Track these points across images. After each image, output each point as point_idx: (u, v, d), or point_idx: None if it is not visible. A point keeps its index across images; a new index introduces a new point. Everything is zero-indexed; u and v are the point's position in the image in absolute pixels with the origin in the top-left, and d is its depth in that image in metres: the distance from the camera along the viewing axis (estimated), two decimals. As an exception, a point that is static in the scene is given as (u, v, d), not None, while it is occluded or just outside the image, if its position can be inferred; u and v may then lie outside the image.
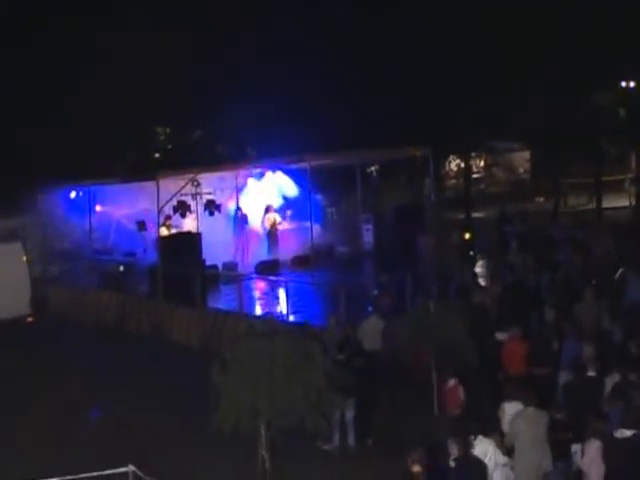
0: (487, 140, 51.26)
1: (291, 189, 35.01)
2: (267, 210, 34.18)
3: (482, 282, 26.67)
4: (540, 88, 40.34)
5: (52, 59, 41.57)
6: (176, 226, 31.82)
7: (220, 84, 43.73)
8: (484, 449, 13.14)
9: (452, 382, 17.14)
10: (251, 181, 35.03)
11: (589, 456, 12.86)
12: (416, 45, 40.91)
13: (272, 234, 33.97)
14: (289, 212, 35.30)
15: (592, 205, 45.32)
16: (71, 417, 19.91)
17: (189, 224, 32.00)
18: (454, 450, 12.57)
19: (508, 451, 13.53)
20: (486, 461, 13.04)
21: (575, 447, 14.07)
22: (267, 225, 33.99)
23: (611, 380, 15.09)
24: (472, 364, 17.66)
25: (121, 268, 32.50)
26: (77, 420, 19.73)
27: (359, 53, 41.76)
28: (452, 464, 12.66)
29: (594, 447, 12.78)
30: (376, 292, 24.95)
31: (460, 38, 40.31)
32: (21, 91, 41.41)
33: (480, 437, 13.13)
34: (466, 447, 12.70)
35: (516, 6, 39.40)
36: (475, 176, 57.13)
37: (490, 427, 13.60)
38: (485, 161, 60.19)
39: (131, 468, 14.00)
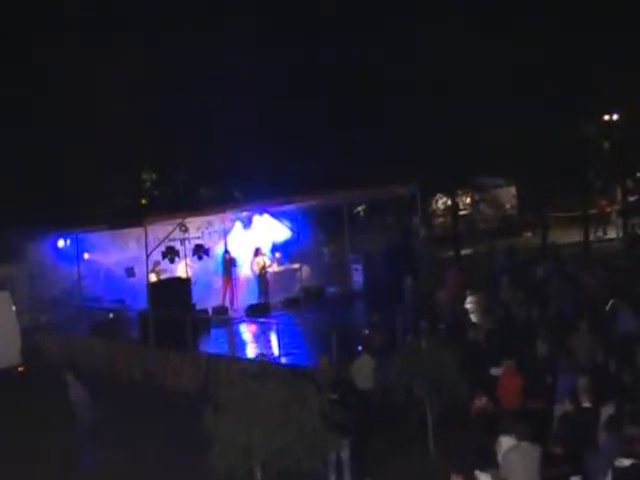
0: (473, 177, 51.41)
1: (279, 231, 35.04)
2: (256, 253, 34.14)
3: (473, 318, 26.65)
4: (523, 123, 40.52)
5: (34, 103, 41.57)
6: (165, 270, 31.74)
7: (205, 127, 43.85)
8: (481, 485, 13.08)
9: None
10: (238, 224, 35.04)
11: None
12: (401, 83, 41.15)
13: (262, 277, 33.92)
14: (278, 254, 35.30)
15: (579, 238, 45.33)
16: (64, 466, 19.75)
17: (180, 269, 31.99)
18: None
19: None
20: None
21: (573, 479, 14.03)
22: (256, 268, 33.94)
23: (607, 411, 15.05)
24: (465, 400, 17.71)
25: (111, 315, 32.40)
26: (71, 469, 19.58)
27: (344, 92, 41.97)
28: None
29: None
30: (367, 331, 24.92)
31: (443, 76, 40.54)
32: (3, 137, 41.32)
33: (477, 472, 13.06)
34: None
35: (498, 41, 39.62)
36: (462, 213, 57.24)
37: (488, 462, 13.52)
38: (472, 198, 60.33)
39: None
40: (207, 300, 32.04)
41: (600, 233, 48.48)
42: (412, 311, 27.53)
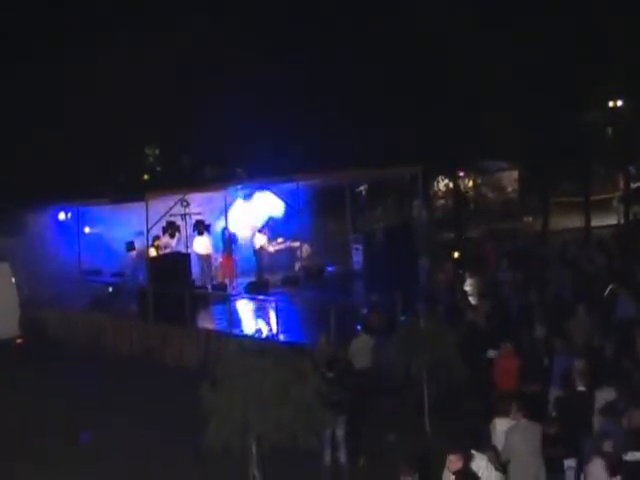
0: (475, 160, 51.34)
1: (280, 209, 34.96)
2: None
3: (472, 300, 26.70)
4: (528, 108, 40.44)
5: (38, 79, 41.51)
6: (168, 246, 31.69)
7: (208, 104, 43.74)
8: (476, 465, 13.09)
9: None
10: (240, 201, 34.95)
11: (594, 476, 12.54)
12: (404, 65, 41.04)
13: (261, 254, 33.84)
14: (279, 236, 35.16)
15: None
16: (61, 440, 19.78)
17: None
18: (455, 464, 12.43)
19: (503, 467, 13.47)
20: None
21: (568, 462, 14.04)
22: (256, 245, 33.88)
23: (602, 395, 15.05)
24: (462, 380, 17.78)
25: (110, 289, 32.41)
26: (68, 443, 19.59)
27: (348, 73, 41.83)
28: (451, 478, 12.57)
29: (598, 466, 12.51)
30: (366, 311, 24.94)
31: (447, 58, 40.44)
32: (6, 111, 41.24)
33: (473, 452, 13.08)
34: (467, 461, 12.61)
35: (502, 27, 39.50)
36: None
37: (484, 443, 13.54)
38: (474, 181, 60.31)
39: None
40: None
41: None
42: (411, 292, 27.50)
